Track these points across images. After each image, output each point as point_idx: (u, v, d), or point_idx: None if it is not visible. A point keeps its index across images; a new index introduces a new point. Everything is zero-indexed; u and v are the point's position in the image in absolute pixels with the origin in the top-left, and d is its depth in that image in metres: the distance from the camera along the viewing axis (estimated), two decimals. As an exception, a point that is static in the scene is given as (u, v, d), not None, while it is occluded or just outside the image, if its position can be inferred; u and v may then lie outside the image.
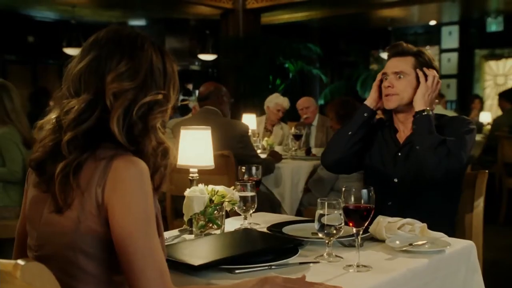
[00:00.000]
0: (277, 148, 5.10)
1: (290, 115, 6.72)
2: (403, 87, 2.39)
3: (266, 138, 5.26)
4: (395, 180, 2.43)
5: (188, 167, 2.29)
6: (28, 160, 1.38)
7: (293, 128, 5.10)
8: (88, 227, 1.27)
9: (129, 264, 1.25)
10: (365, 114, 2.49)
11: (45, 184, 1.33)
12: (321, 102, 11.23)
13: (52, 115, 1.37)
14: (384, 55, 10.94)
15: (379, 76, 2.50)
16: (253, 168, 2.30)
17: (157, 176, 1.36)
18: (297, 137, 4.98)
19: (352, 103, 4.57)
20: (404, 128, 2.49)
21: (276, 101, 5.82)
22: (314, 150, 5.09)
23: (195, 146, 2.33)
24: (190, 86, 12.94)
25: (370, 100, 2.51)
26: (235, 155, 3.61)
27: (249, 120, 5.22)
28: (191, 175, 2.25)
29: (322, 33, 12.63)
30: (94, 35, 1.40)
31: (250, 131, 4.19)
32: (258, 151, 4.48)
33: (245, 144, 3.90)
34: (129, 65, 1.34)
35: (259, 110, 6.58)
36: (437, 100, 2.45)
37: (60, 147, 1.30)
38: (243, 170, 2.29)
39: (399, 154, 2.46)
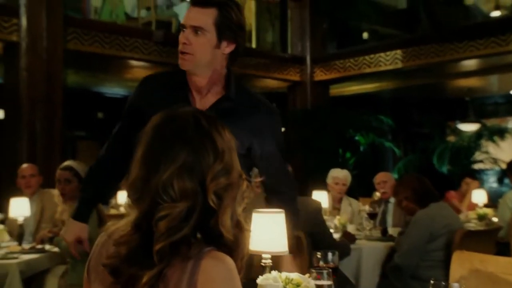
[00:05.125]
0: (350, 228, 4.71)
1: (362, 191, 6.32)
2: (200, 46, 2.00)
3: (338, 217, 4.82)
4: None
5: (260, 252, 2.12)
6: (101, 262, 1.32)
7: (367, 206, 4.70)
8: None
9: None
10: None
11: (123, 286, 1.26)
12: (395, 176, 10.67)
13: (130, 217, 1.28)
14: (462, 126, 10.45)
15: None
16: (329, 254, 2.20)
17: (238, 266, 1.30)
18: (371, 215, 4.65)
19: (426, 179, 4.00)
20: (200, 97, 2.09)
21: (331, 175, 5.45)
22: (390, 230, 4.69)
23: (268, 230, 2.14)
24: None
25: None
26: (309, 234, 3.36)
27: (320, 197, 4.84)
28: (263, 261, 2.09)
29: (394, 104, 12.22)
30: (156, 135, 1.29)
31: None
32: (331, 230, 4.16)
33: (320, 222, 3.72)
34: (219, 160, 1.26)
35: (329, 187, 6.20)
36: None
37: (137, 250, 1.24)
38: (319, 256, 2.19)
39: None
